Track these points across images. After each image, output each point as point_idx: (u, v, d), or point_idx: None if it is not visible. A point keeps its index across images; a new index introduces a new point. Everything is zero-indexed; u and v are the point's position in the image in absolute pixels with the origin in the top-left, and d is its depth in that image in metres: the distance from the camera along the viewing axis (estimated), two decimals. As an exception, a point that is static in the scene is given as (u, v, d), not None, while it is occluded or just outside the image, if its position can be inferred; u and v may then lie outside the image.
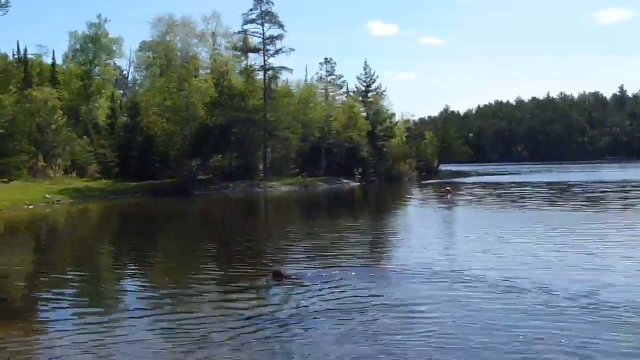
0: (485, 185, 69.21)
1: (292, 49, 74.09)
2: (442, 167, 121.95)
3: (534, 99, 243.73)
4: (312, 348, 11.18)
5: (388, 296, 14.88)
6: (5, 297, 16.81)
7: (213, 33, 79.12)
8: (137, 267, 21.12)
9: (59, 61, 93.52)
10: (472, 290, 15.08)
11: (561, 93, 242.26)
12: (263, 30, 73.51)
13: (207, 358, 10.81)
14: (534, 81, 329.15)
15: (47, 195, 50.26)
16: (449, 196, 49.84)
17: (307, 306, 14.07)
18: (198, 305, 14.68)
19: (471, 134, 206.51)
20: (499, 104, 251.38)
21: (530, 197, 47.40)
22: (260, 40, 73.94)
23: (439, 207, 43.21)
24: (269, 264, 19.44)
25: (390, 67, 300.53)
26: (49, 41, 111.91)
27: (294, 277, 17.08)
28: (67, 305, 15.22)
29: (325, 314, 13.27)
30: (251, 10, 73.13)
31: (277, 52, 73.99)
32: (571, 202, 43.04)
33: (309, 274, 17.82)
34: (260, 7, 72.75)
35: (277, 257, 21.40)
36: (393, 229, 31.43)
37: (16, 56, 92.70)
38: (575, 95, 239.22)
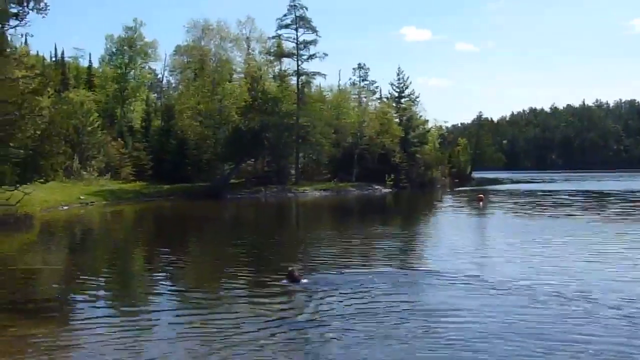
0: (518, 193, 68.49)
1: (326, 54, 74.33)
2: (475, 175, 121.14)
3: (569, 106, 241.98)
4: (338, 350, 11.25)
5: (411, 301, 14.82)
6: (40, 295, 17.03)
7: (247, 38, 79.56)
8: (168, 269, 21.21)
9: (95, 64, 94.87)
10: (501, 297, 14.96)
11: (597, 100, 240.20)
12: (297, 35, 73.85)
13: (233, 357, 10.89)
14: (569, 88, 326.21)
15: (82, 197, 50.86)
16: (481, 204, 49.41)
17: (333, 309, 14.13)
18: (227, 307, 14.73)
19: (505, 141, 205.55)
20: (533, 111, 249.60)
21: (565, 206, 46.72)
22: (294, 45, 74.27)
23: (471, 215, 42.84)
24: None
25: (423, 73, 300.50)
26: (86, 44, 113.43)
27: (306, 278, 17.34)
28: (99, 304, 15.37)
29: (350, 317, 13.27)
30: (285, 15, 73.54)
31: (310, 57, 74.18)
32: (606, 211, 42.46)
33: (327, 277, 18.07)
34: (295, 12, 73.03)
35: (305, 261, 21.37)
36: (423, 236, 31.20)
37: (54, 59, 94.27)
38: (611, 103, 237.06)
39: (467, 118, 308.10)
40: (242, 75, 76.22)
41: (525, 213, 42.32)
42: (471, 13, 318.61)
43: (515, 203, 51.99)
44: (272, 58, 78.29)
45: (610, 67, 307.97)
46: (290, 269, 17.50)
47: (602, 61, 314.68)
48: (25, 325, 13.07)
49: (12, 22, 25.77)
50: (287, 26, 73.73)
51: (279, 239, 29.90)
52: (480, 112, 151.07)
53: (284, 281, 17.20)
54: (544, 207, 46.03)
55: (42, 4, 25.05)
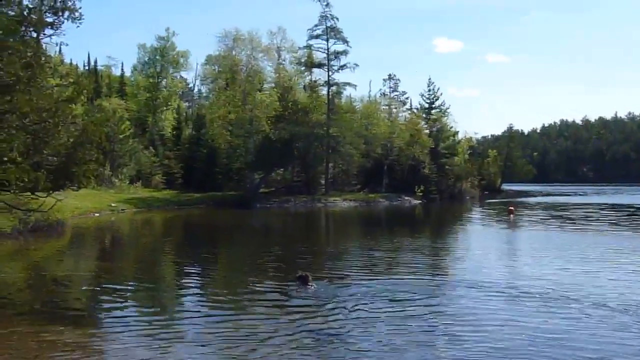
0: (549, 206, 67.80)
1: (356, 65, 74.38)
2: (505, 187, 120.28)
3: (600, 118, 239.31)
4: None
5: (438, 311, 14.77)
6: (71, 301, 17.21)
7: (278, 48, 79.82)
8: (197, 276, 21.32)
9: (127, 73, 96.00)
10: (525, 308, 14.86)
11: (629, 113, 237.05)
12: (328, 45, 74.00)
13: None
14: (600, 100, 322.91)
15: (113, 204, 51.32)
16: (511, 216, 49.00)
17: (351, 317, 14.25)
18: (255, 316, 14.77)
19: (535, 154, 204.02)
20: (564, 123, 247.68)
21: (596, 220, 46.17)
22: (325, 55, 74.38)
23: (501, 228, 42.49)
24: (322, 278, 19.48)
25: (454, 84, 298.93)
26: (119, 53, 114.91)
27: (314, 284, 17.81)
28: (129, 311, 15.52)
29: (376, 325, 13.29)
30: (316, 26, 73.73)
31: (341, 67, 74.27)
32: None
33: (354, 286, 18.54)
34: (326, 23, 73.24)
35: (332, 271, 21.37)
36: (452, 248, 30.99)
37: (87, 67, 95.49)
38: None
39: (498, 129, 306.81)
40: (273, 85, 76.44)
41: (556, 226, 41.91)
42: (503, 24, 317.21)
43: (546, 216, 51.46)
44: (302, 68, 78.53)
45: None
46: (302, 274, 18.02)
47: (635, 73, 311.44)
48: (56, 331, 13.20)
49: (48, 32, 26.11)
50: (318, 36, 73.98)
51: (307, 249, 29.85)
52: (511, 123, 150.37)
53: (310, 285, 17.64)
54: (576, 221, 45.54)
55: (77, 14, 25.37)
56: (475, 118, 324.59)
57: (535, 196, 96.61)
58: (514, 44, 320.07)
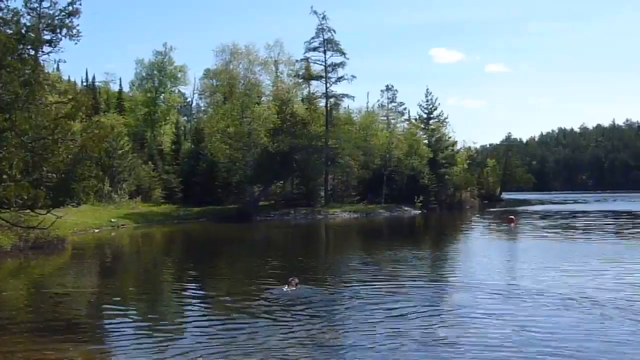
0: (549, 214, 67.84)
1: (354, 77, 74.52)
2: (505, 196, 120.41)
3: (598, 126, 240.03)
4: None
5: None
6: (72, 318, 17.19)
7: (276, 61, 79.92)
8: (198, 292, 21.31)
9: (125, 88, 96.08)
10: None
11: (627, 120, 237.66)
12: (325, 58, 74.18)
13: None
14: (598, 108, 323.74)
15: (113, 219, 51.30)
16: (512, 225, 49.04)
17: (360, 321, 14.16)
18: (257, 331, 14.76)
19: (534, 162, 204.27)
20: (562, 131, 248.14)
21: (597, 228, 46.18)
22: (322, 67, 74.52)
23: (502, 237, 42.52)
24: (321, 289, 19.60)
25: (454, 94, 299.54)
26: (117, 69, 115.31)
27: (300, 286, 19.35)
28: (130, 327, 15.46)
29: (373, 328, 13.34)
30: (313, 38, 73.95)
31: (339, 79, 74.41)
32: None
33: (351, 292, 19.51)
34: (323, 35, 73.43)
35: (331, 280, 21.42)
36: (451, 258, 30.91)
37: (85, 84, 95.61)
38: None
39: (496, 139, 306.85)
40: (271, 98, 76.53)
41: (557, 234, 41.95)
42: (502, 35, 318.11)
43: (547, 224, 51.48)
44: (300, 81, 78.65)
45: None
46: (290, 279, 19.53)
47: (633, 81, 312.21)
48: (59, 349, 13.19)
49: (46, 49, 26.23)
50: (315, 49, 74.17)
51: (308, 261, 29.82)
52: (509, 132, 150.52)
53: (284, 287, 19.13)
54: (577, 229, 45.55)
55: (74, 31, 25.51)
56: (474, 128, 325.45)
57: (535, 205, 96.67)
58: (513, 54, 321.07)
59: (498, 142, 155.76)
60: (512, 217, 54.86)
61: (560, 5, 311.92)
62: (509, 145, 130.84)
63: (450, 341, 13.21)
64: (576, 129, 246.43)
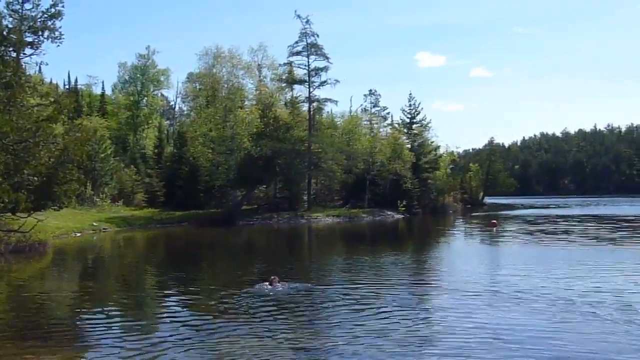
0: (532, 218, 68.12)
1: (337, 81, 74.42)
2: (488, 200, 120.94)
3: (580, 131, 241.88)
4: None
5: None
6: (54, 322, 17.08)
7: (259, 65, 79.89)
8: (179, 295, 21.23)
9: (108, 91, 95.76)
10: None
11: (608, 125, 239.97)
12: (308, 62, 74.11)
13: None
14: (580, 113, 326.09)
15: (95, 223, 51.07)
16: (494, 230, 49.24)
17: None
18: (236, 328, 14.85)
19: (517, 167, 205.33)
20: (544, 136, 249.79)
21: (579, 232, 46.41)
22: (306, 72, 74.47)
23: (485, 242, 42.67)
24: (303, 288, 19.63)
25: (438, 98, 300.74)
26: (99, 72, 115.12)
27: (282, 285, 20.38)
28: (112, 331, 15.39)
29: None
30: (297, 42, 73.80)
31: (322, 84, 74.33)
32: (625, 237, 42.25)
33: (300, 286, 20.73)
34: (306, 39, 73.37)
35: (311, 283, 21.44)
36: (434, 263, 30.93)
37: (67, 86, 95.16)
38: (623, 128, 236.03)
39: (479, 143, 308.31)
40: (254, 102, 76.49)
41: (539, 239, 42.16)
42: (486, 40, 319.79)
43: (529, 229, 51.72)
44: (283, 85, 78.56)
45: (623, 91, 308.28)
46: (272, 277, 20.60)
47: (614, 86, 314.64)
48: (40, 352, 13.14)
49: (27, 51, 26.08)
50: (298, 53, 74.05)
51: (290, 265, 29.76)
52: (492, 137, 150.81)
53: (265, 284, 20.25)
54: (559, 233, 45.79)
55: (56, 33, 25.40)
56: (457, 132, 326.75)
57: (517, 209, 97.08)
58: (497, 59, 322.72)
59: (481, 147, 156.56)
60: (494, 221, 55.06)
61: (544, 10, 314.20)
62: (492, 150, 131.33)
63: (430, 343, 13.43)
64: (558, 134, 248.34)
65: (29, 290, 23.24)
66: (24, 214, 24.35)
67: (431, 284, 22.56)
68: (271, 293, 19.33)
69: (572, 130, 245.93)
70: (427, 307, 17.91)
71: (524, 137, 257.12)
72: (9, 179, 21.87)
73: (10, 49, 23.98)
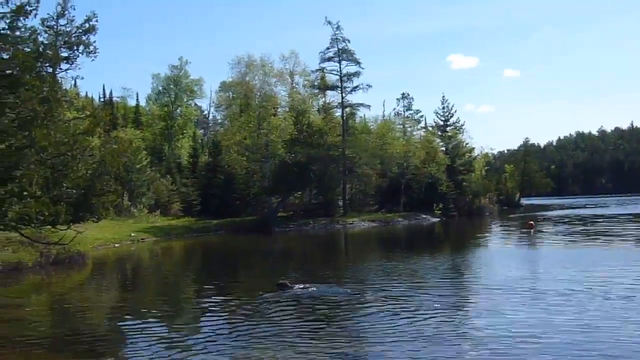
0: (570, 219, 67.30)
1: (370, 86, 74.34)
2: (524, 201, 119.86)
3: (617, 129, 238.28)
4: None
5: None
6: (93, 333, 17.26)
7: (291, 72, 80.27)
8: (217, 303, 21.23)
9: (142, 103, 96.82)
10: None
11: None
12: (340, 68, 74.13)
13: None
14: (617, 111, 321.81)
15: (132, 234, 51.53)
16: (532, 231, 48.72)
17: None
18: (274, 337, 14.90)
19: (552, 167, 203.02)
20: (580, 135, 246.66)
21: (619, 232, 45.64)
22: (338, 77, 74.50)
23: (522, 243, 42.28)
24: (343, 304, 19.63)
25: (471, 100, 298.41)
26: (133, 84, 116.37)
27: (295, 288, 21.30)
28: (149, 341, 15.49)
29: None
30: (328, 48, 73.91)
31: (354, 89, 74.29)
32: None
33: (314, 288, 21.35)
34: (337, 45, 73.44)
35: (350, 288, 21.42)
36: (472, 265, 30.66)
37: (102, 99, 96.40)
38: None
39: (514, 144, 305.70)
40: (287, 109, 76.79)
41: (578, 239, 41.61)
42: (517, 39, 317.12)
43: (567, 229, 51.08)
44: (316, 91, 78.83)
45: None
46: (281, 281, 21.67)
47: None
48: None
49: (63, 66, 26.51)
50: (330, 59, 74.13)
51: (328, 270, 29.72)
52: (527, 137, 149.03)
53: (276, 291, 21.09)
54: (599, 234, 45.10)
55: (91, 48, 25.77)
56: (491, 133, 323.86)
57: (555, 210, 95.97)
58: (528, 59, 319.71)
59: (516, 148, 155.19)
60: (532, 222, 54.52)
61: (575, 9, 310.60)
62: (527, 150, 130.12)
63: (472, 344, 13.35)
64: (594, 132, 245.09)
65: (69, 301, 23.57)
66: (64, 226, 24.65)
67: (469, 286, 22.43)
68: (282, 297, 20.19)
69: (609, 128, 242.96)
70: (467, 309, 17.81)
71: (559, 136, 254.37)
72: (48, 192, 22.18)
73: (47, 64, 24.38)
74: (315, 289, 21.23)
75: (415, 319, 16.11)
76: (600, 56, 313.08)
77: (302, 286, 21.50)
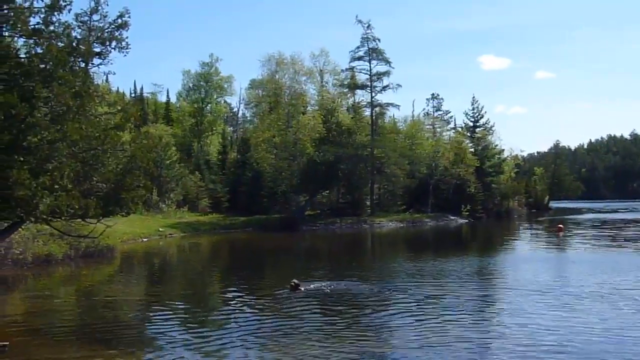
0: (600, 223, 66.58)
1: (399, 85, 73.96)
2: (553, 204, 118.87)
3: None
4: None
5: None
6: (121, 325, 17.48)
7: (321, 70, 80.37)
8: (244, 299, 21.39)
9: (173, 99, 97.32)
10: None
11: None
12: (370, 67, 73.90)
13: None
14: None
15: (161, 229, 51.92)
16: (560, 234, 48.31)
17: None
18: (300, 334, 14.96)
19: (583, 170, 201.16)
20: (612, 138, 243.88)
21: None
22: (368, 76, 74.32)
23: (551, 246, 41.93)
24: (365, 304, 19.65)
25: (502, 101, 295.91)
26: (164, 80, 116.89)
27: (306, 289, 21.54)
28: (177, 334, 15.69)
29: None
30: (358, 47, 73.71)
31: (384, 88, 73.95)
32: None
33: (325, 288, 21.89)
34: (367, 44, 73.24)
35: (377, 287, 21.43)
36: (499, 268, 30.57)
37: (133, 95, 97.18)
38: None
39: (544, 146, 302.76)
40: (316, 108, 76.86)
41: (608, 244, 41.20)
42: (550, 41, 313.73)
43: (596, 233, 50.59)
44: (345, 90, 78.68)
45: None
46: (293, 282, 21.75)
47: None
48: (107, 355, 13.44)
49: (96, 61, 26.69)
50: (360, 58, 73.96)
51: (354, 270, 29.73)
52: (557, 140, 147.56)
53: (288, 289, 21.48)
54: (628, 238, 44.63)
55: (123, 43, 25.89)
56: (521, 135, 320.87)
57: (584, 213, 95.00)
58: (561, 60, 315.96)
59: (546, 150, 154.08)
60: (561, 225, 54.10)
61: (608, 11, 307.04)
62: (558, 153, 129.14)
63: (500, 345, 13.35)
64: (626, 136, 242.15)
65: (98, 294, 23.87)
66: (93, 220, 24.88)
67: (495, 289, 22.37)
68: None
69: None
70: (493, 312, 17.78)
71: (590, 139, 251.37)
72: (79, 185, 22.39)
73: (80, 59, 24.58)
74: (333, 287, 21.93)
75: (439, 320, 16.13)
76: (633, 58, 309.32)
77: (312, 286, 22.01)
